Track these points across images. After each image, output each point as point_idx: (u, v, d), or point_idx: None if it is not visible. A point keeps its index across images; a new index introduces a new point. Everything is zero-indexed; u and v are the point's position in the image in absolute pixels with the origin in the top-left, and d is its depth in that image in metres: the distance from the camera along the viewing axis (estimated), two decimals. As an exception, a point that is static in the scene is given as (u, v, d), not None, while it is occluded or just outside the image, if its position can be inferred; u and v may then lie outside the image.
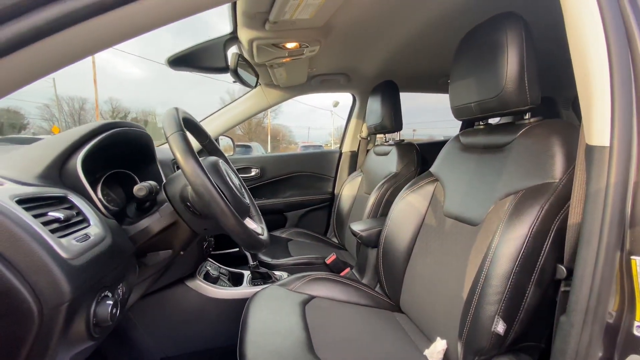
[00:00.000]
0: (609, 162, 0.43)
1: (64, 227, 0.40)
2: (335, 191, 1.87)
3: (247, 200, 0.75)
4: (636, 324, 0.43)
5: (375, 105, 1.47)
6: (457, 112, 0.86)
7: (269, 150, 19.07)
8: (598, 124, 0.45)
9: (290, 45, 1.00)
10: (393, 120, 1.40)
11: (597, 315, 0.43)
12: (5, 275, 0.31)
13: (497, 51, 0.68)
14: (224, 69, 0.99)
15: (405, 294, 0.94)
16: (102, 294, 0.43)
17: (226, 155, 2.04)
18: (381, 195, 1.30)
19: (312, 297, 0.92)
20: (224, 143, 1.92)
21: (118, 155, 0.72)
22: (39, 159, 0.49)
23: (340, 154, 1.89)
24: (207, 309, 0.96)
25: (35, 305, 0.33)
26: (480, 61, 0.75)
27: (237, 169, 1.73)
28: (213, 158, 0.71)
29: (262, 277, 1.11)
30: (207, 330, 0.95)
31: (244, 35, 0.94)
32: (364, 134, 1.83)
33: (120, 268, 0.49)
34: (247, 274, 1.15)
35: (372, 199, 1.31)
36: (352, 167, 1.87)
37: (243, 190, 0.79)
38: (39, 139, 0.75)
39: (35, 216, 0.37)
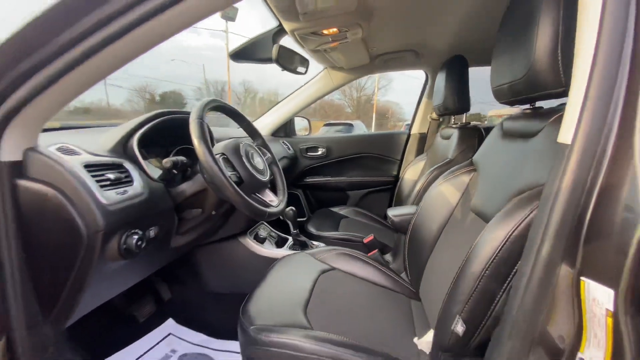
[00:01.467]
0: (566, 162, 0.36)
1: (112, 184, 0.62)
2: (400, 174, 1.83)
3: (265, 177, 0.88)
4: (579, 355, 0.37)
5: (440, 84, 1.36)
6: (496, 94, 0.76)
7: (373, 129, 18.84)
8: (567, 120, 0.38)
9: (330, 31, 1.04)
10: (457, 100, 1.27)
11: (526, 331, 0.38)
12: (69, 210, 0.53)
13: (529, 19, 0.58)
14: (272, 60, 1.12)
15: (424, 283, 0.93)
16: (132, 231, 0.64)
17: (302, 134, 2.23)
18: (429, 182, 1.23)
19: (332, 268, 1.01)
20: (301, 123, 2.11)
21: (182, 135, 0.96)
22: (111, 138, 0.74)
23: (409, 135, 1.82)
24: (251, 262, 1.18)
25: (84, 230, 0.54)
26: (516, 33, 0.64)
27: (306, 148, 1.90)
28: (236, 141, 0.86)
29: (300, 244, 1.26)
30: (250, 279, 1.18)
31: (287, 27, 1.03)
32: (435, 114, 1.70)
33: (154, 216, 0.70)
34: (290, 239, 1.32)
35: (419, 185, 1.26)
36: (420, 150, 1.77)
37: (265, 167, 0.92)
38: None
39: (94, 176, 0.59)
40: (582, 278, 0.36)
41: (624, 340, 0.32)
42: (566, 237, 0.36)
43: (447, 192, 0.92)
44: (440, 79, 1.38)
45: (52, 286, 0.57)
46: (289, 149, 1.82)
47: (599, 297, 0.34)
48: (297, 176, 1.95)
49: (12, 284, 0.53)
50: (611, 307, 0.32)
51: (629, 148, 0.33)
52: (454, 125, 1.41)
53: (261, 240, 1.26)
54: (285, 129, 1.90)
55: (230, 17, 13.64)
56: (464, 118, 1.34)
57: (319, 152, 1.92)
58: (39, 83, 0.47)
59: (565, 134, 0.38)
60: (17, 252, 0.53)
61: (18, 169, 0.52)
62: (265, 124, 1.79)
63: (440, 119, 1.72)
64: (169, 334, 1.14)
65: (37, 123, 0.53)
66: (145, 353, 1.05)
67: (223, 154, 0.83)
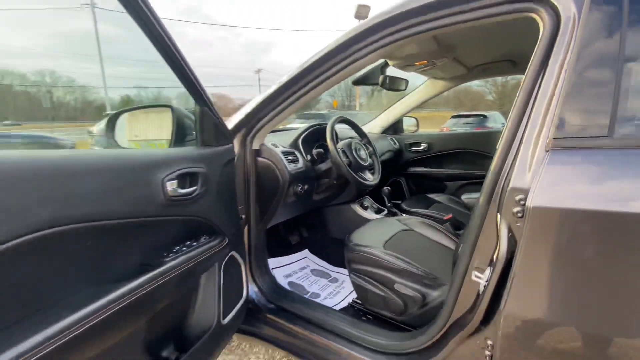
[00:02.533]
0: (491, 168, 0.75)
1: (290, 162, 1.29)
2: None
3: (366, 163, 1.42)
4: (494, 255, 0.76)
5: None
6: None
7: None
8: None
9: (420, 62, 1.47)
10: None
11: (470, 250, 0.79)
12: (276, 172, 1.21)
13: None
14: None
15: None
16: (298, 184, 1.29)
17: (410, 131, 2.66)
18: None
19: (410, 229, 1.46)
20: (409, 122, 2.52)
21: (322, 137, 1.60)
22: (290, 139, 1.44)
23: (507, 134, 1.97)
24: (356, 220, 1.75)
25: (281, 181, 1.21)
26: None
27: (410, 143, 2.32)
28: (350, 140, 1.43)
29: (392, 214, 1.75)
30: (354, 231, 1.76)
31: (389, 62, 1.52)
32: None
33: (307, 179, 1.35)
34: (385, 210, 1.82)
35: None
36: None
37: (367, 157, 1.46)
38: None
39: (284, 156, 1.26)
40: (498, 214, 0.75)
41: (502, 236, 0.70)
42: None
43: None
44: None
45: (266, 205, 1.28)
46: (395, 144, 2.29)
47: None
48: (401, 166, 2.39)
49: (253, 203, 1.25)
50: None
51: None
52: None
53: (364, 207, 1.82)
54: (393, 128, 2.37)
55: (362, 17, 14.44)
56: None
57: (422, 147, 2.30)
58: (274, 113, 1.14)
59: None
60: (255, 190, 1.24)
61: (258, 153, 1.23)
62: (375, 125, 2.31)
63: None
64: (305, 257, 1.85)
65: (266, 132, 1.23)
66: (291, 263, 1.78)
67: (342, 148, 1.42)
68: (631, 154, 0.56)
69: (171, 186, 0.74)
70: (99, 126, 6.91)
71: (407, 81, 1.70)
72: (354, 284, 1.22)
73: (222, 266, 0.95)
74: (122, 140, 0.93)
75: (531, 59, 0.72)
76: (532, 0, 0.71)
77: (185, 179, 0.79)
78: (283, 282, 1.56)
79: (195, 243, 0.83)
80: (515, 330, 0.66)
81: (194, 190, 0.81)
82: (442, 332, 0.86)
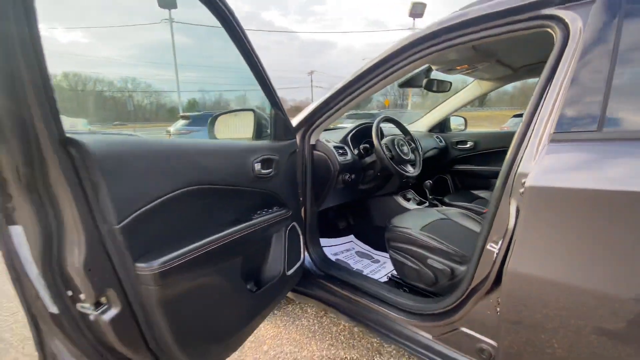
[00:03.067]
0: (506, 158, 0.90)
1: (340, 155, 1.53)
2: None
3: (408, 157, 1.61)
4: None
5: None
6: None
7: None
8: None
9: (461, 67, 1.61)
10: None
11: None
12: (329, 163, 1.47)
13: None
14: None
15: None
16: (346, 174, 1.53)
17: (458, 130, 2.76)
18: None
19: (448, 218, 1.61)
20: (457, 121, 2.61)
21: (368, 134, 1.82)
22: (340, 136, 1.69)
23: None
24: (399, 211, 1.94)
25: (332, 171, 1.47)
26: None
27: (456, 141, 2.41)
28: (393, 137, 1.63)
29: (433, 207, 1.89)
30: (397, 220, 1.95)
31: (432, 67, 1.68)
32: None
33: (354, 170, 1.58)
34: (426, 202, 1.97)
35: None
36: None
37: (409, 152, 1.64)
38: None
39: (335, 150, 1.51)
40: (511, 196, 0.90)
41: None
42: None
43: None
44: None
45: (319, 190, 1.55)
46: (440, 142, 2.40)
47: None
48: (447, 164, 2.50)
49: (309, 188, 1.52)
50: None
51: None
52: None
53: (407, 199, 2.00)
54: (440, 126, 2.48)
55: (418, 14, 14.11)
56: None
57: (467, 145, 2.38)
58: (328, 114, 1.40)
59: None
60: (311, 177, 1.51)
61: (314, 147, 1.50)
62: (423, 123, 2.45)
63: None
64: (350, 241, 2.09)
65: (321, 130, 1.49)
66: (338, 244, 2.04)
67: (385, 144, 1.63)
68: (616, 145, 0.70)
69: (257, 167, 1.03)
70: (175, 126, 7.94)
71: (450, 83, 1.83)
72: (392, 259, 1.43)
73: (287, 232, 1.23)
74: (220, 135, 1.27)
75: (546, 65, 0.87)
76: (547, 17, 0.87)
77: (264, 163, 1.09)
78: (331, 258, 1.82)
79: (270, 210, 1.12)
80: (516, 286, 0.82)
81: (270, 172, 1.11)
82: (463, 297, 1.03)
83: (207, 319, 0.89)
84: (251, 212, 1.04)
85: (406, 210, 1.89)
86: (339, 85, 1.30)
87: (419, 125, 2.49)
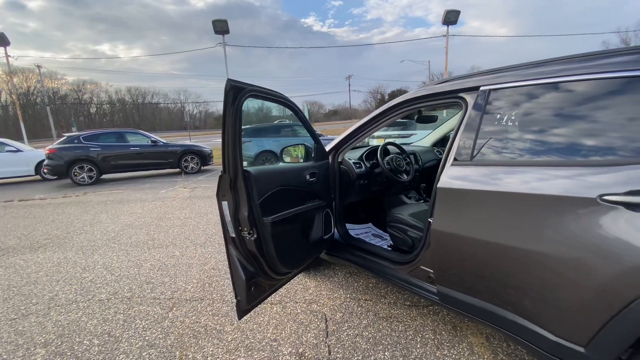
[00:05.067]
0: (438, 170, 1.72)
1: (357, 167, 2.39)
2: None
3: (403, 168, 2.43)
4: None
5: None
6: None
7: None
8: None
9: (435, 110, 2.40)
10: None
11: None
12: (350, 173, 2.35)
13: None
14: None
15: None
16: (362, 180, 2.40)
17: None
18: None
19: (428, 208, 2.40)
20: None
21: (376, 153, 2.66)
22: (359, 153, 2.55)
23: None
24: (402, 205, 2.74)
25: (352, 177, 2.34)
26: None
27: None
28: (392, 155, 2.46)
29: (425, 202, 2.68)
30: (401, 212, 2.76)
31: (421, 107, 2.49)
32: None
33: (367, 177, 2.43)
34: (422, 200, 2.76)
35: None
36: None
37: (405, 165, 2.47)
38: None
39: (354, 164, 2.37)
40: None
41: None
42: None
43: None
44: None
45: (345, 190, 2.42)
46: (440, 154, 3.15)
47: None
48: (446, 170, 3.24)
49: (338, 190, 2.39)
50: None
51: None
52: None
53: (408, 197, 2.80)
54: (441, 142, 3.23)
55: (451, 22, 14.34)
56: None
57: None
58: (349, 142, 2.27)
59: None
60: (339, 183, 2.38)
61: (341, 163, 2.38)
62: (428, 140, 3.23)
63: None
64: (369, 226, 2.94)
65: (346, 151, 2.37)
66: (361, 228, 2.89)
67: (387, 160, 2.47)
68: (479, 168, 1.49)
69: (308, 177, 1.96)
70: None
71: (437, 116, 2.62)
72: (389, 233, 2.27)
73: (324, 214, 2.13)
74: (286, 160, 2.23)
75: (457, 122, 1.68)
76: (459, 97, 1.68)
77: (311, 175, 2.00)
78: (353, 235, 2.69)
79: (315, 201, 2.04)
80: (435, 237, 1.62)
81: (314, 180, 2.02)
82: (420, 249, 1.84)
83: (289, 246, 1.83)
84: (306, 200, 1.96)
85: (405, 204, 2.69)
86: (354, 126, 2.18)
87: (425, 141, 3.26)
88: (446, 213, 1.56)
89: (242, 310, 1.60)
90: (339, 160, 2.34)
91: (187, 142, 10.87)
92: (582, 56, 1.33)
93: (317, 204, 2.04)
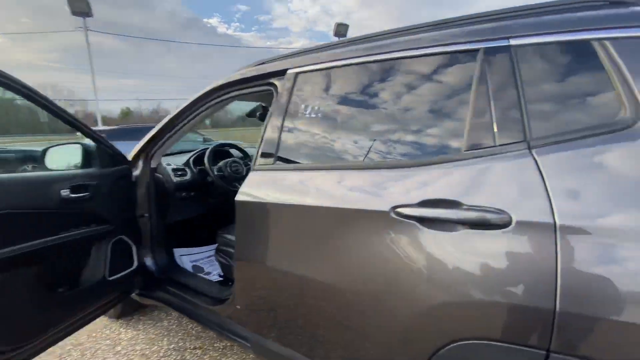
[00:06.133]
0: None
1: (178, 176, 1.85)
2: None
3: (241, 175, 1.99)
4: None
5: None
6: None
7: None
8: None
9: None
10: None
11: None
12: (165, 183, 1.78)
13: None
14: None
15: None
16: (184, 192, 1.86)
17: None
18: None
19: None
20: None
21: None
22: (184, 158, 2.01)
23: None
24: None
25: (169, 188, 1.78)
26: None
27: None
28: (227, 160, 1.99)
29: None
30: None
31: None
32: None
33: (195, 188, 1.91)
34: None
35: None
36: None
37: (244, 171, 2.03)
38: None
39: (174, 172, 1.83)
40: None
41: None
42: None
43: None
44: None
45: (162, 206, 1.83)
46: None
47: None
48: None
49: (154, 207, 1.79)
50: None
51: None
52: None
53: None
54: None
55: (341, 35, 15.30)
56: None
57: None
58: (164, 140, 1.69)
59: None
60: (155, 197, 1.78)
61: (155, 169, 1.79)
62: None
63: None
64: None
65: (161, 154, 1.78)
66: (200, 252, 2.32)
67: (219, 166, 1.99)
68: (278, 173, 1.12)
69: (66, 192, 1.29)
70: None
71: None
72: (215, 258, 1.78)
73: (112, 243, 1.49)
74: (51, 166, 1.47)
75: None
76: (270, 84, 1.27)
77: (75, 188, 1.34)
78: (187, 265, 2.09)
79: (88, 226, 1.38)
80: (237, 266, 1.20)
81: (86, 196, 1.37)
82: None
83: (16, 305, 1.12)
84: (62, 228, 1.28)
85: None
86: (162, 121, 1.62)
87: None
88: (243, 233, 1.15)
89: None
90: (153, 166, 1.74)
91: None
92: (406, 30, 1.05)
93: (92, 231, 1.39)
